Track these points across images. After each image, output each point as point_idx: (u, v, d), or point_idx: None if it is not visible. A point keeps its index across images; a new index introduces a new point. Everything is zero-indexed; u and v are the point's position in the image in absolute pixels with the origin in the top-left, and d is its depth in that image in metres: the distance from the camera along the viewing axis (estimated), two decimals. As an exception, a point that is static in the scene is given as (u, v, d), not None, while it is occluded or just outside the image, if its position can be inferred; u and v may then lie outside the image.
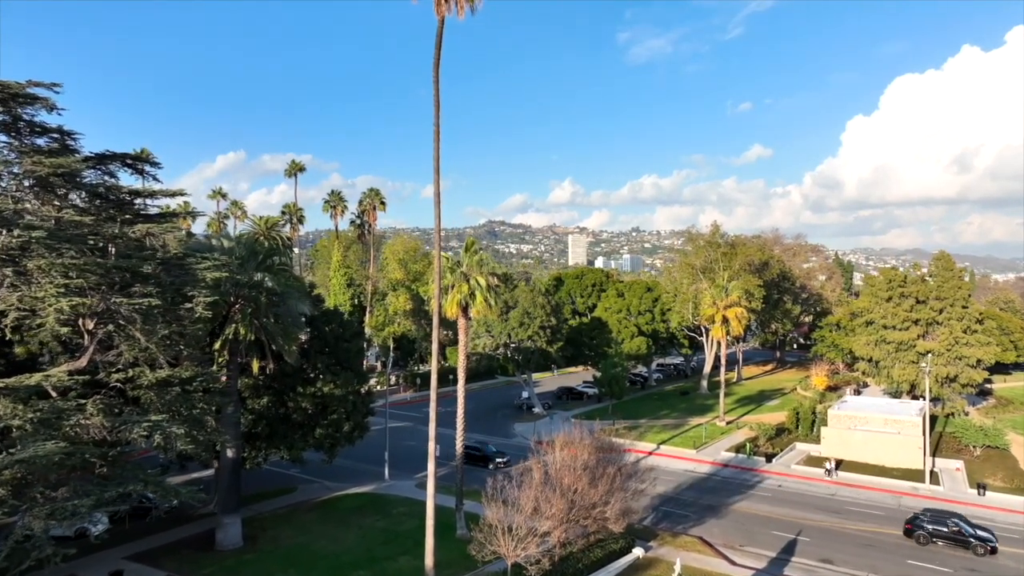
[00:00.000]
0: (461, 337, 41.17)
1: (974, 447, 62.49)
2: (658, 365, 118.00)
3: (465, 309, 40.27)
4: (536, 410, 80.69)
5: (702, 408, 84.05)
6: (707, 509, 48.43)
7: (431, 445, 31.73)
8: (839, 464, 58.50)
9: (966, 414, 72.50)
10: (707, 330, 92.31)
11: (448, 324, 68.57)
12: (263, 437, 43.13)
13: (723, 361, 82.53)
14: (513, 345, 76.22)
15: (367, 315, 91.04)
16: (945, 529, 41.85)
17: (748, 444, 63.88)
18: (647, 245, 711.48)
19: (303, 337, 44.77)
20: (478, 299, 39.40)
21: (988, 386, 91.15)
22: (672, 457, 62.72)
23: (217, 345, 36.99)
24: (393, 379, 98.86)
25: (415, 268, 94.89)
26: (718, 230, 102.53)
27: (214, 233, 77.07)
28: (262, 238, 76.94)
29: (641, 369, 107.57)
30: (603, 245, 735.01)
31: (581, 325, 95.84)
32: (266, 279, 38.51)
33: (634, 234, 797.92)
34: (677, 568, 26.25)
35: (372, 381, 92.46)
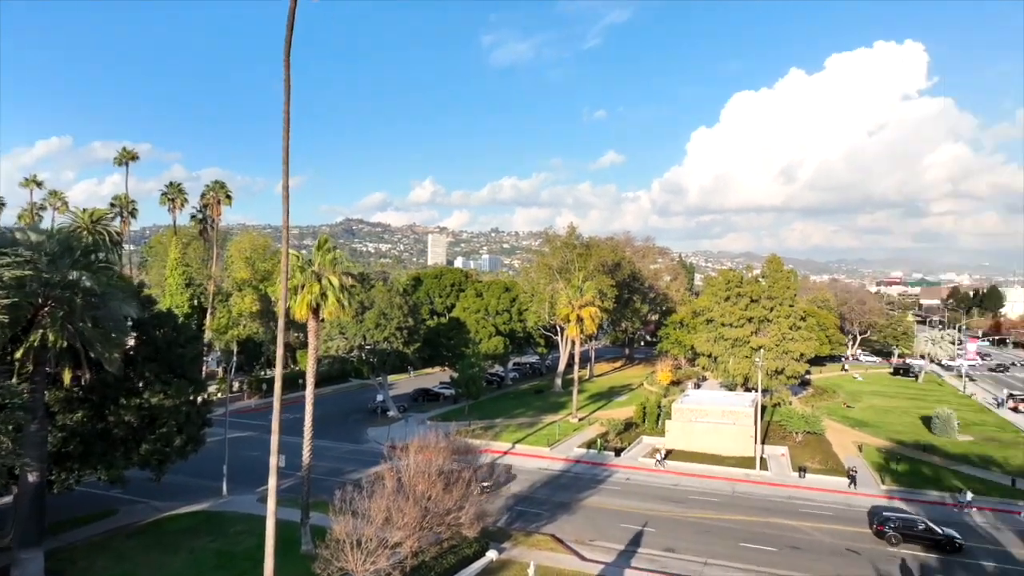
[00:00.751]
0: (311, 340, 38.86)
1: (796, 433, 68.35)
2: (514, 364, 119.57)
3: (316, 310, 38.01)
4: (391, 413, 78.75)
5: (556, 406, 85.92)
6: (560, 506, 49.16)
7: (273, 458, 29.42)
8: (668, 454, 61.60)
9: (790, 403, 79.30)
10: (562, 329, 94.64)
11: (299, 326, 65.08)
12: (76, 456, 38.32)
13: (576, 359, 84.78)
14: (368, 347, 73.84)
15: (208, 317, 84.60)
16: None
17: (599, 440, 65.88)
18: (506, 245, 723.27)
19: (129, 342, 40.44)
20: (330, 300, 37.31)
21: (808, 377, 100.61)
22: (527, 455, 63.34)
23: (19, 353, 32.38)
24: (236, 385, 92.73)
25: (263, 267, 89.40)
26: (574, 232, 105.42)
27: (23, 225, 68.26)
28: (85, 232, 69.22)
29: (498, 368, 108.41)
30: (463, 245, 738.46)
31: (439, 325, 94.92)
32: (83, 278, 34.28)
33: (494, 234, 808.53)
34: (531, 571, 26.02)
35: (212, 388, 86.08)
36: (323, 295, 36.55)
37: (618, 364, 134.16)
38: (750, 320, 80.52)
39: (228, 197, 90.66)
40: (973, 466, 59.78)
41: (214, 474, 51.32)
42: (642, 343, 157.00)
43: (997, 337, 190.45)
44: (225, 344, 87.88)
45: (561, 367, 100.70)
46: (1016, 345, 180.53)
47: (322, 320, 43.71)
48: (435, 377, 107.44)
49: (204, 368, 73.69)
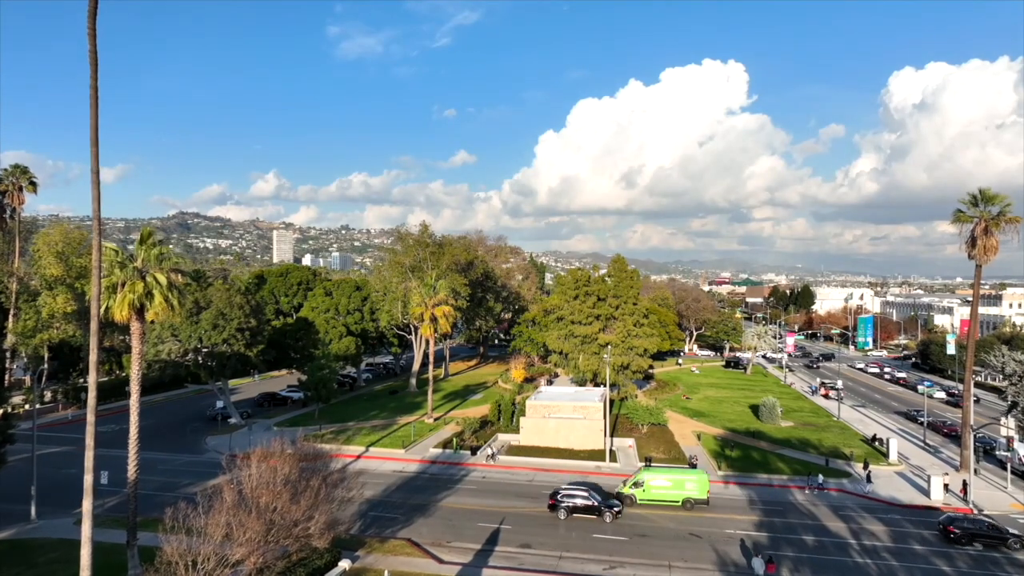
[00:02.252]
0: (135, 344, 34.85)
1: (642, 425, 71.70)
2: (367, 365, 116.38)
3: (140, 311, 34.14)
4: (233, 420, 73.47)
5: (411, 406, 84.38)
6: (416, 509, 47.99)
7: (88, 476, 25.89)
8: (500, 450, 62.61)
9: (636, 397, 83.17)
10: (416, 328, 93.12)
11: (124, 328, 58.71)
12: None
13: (431, 359, 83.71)
14: (206, 350, 68.30)
15: (10, 319, 74.40)
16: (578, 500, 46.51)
17: (454, 439, 65.31)
18: (357, 243, 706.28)
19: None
20: (157, 300, 33.65)
21: (651, 371, 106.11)
22: (382, 459, 61.48)
23: None
24: (49, 395, 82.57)
25: (79, 263, 79.89)
26: (427, 230, 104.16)
27: None
28: None
29: (350, 370, 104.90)
30: (311, 242, 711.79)
31: (285, 326, 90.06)
32: None
33: (344, 232, 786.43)
34: (385, 580, 24.84)
35: (17, 400, 75.99)
36: (148, 294, 32.85)
37: (473, 362, 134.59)
38: (598, 318, 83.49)
39: (32, 184, 80.00)
40: (794, 449, 65.68)
41: (20, 496, 45.05)
42: (496, 341, 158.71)
43: (810, 331, 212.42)
44: (33, 349, 77.79)
45: (416, 367, 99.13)
46: (826, 339, 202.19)
47: (151, 322, 39.60)
48: (282, 380, 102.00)
49: (7, 377, 64.61)
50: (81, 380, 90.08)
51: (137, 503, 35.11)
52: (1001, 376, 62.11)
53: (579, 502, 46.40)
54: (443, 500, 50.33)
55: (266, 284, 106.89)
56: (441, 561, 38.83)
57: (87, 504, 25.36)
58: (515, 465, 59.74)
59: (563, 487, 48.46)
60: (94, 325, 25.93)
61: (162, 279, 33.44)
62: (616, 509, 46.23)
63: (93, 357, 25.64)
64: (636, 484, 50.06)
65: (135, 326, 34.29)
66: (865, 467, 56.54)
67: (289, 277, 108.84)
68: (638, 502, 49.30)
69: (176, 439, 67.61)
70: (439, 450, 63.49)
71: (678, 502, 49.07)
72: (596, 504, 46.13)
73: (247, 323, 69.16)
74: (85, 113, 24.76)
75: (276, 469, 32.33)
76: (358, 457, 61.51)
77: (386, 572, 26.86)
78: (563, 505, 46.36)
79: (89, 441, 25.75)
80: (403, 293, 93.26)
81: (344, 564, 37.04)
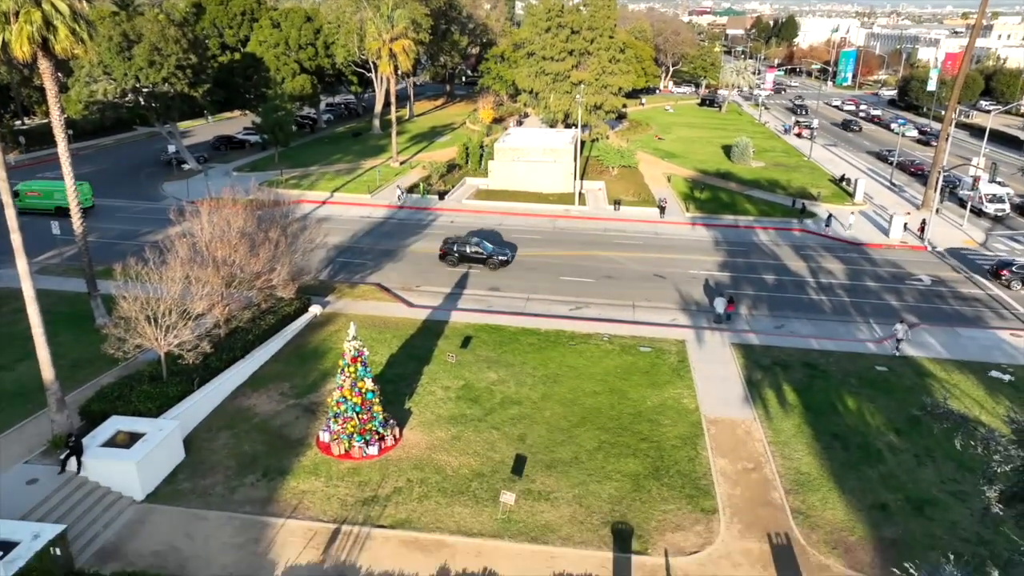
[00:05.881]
0: (48, 84, 30.69)
1: (612, 168, 70.46)
2: (328, 105, 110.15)
3: (46, 46, 29.51)
4: (188, 166, 70.30)
5: (375, 149, 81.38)
6: (384, 254, 47.93)
7: (15, 236, 23.97)
8: (412, 189, 62.29)
9: (607, 138, 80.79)
10: (376, 65, 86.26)
11: (62, 63, 52.60)
12: None
13: (393, 98, 78.84)
14: (146, 90, 62.70)
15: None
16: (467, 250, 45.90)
17: (422, 183, 63.77)
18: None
19: None
20: (62, 32, 28.74)
21: (624, 110, 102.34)
22: (347, 204, 60.28)
23: None
24: (-13, 140, 77.51)
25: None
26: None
27: None
28: None
29: (309, 111, 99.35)
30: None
31: (232, 63, 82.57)
32: None
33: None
34: (351, 330, 24.69)
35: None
36: (50, 25, 28.06)
37: (439, 102, 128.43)
38: (571, 53, 77.53)
39: None
40: (763, 190, 65.74)
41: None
42: (463, 79, 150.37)
43: (790, 67, 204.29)
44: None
45: (378, 107, 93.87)
46: (808, 75, 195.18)
47: (71, 59, 34.80)
48: (237, 123, 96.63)
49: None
50: (19, 123, 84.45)
51: (89, 254, 33.91)
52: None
53: (469, 250, 45.79)
54: (411, 245, 50.19)
55: (206, 14, 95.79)
56: (411, 305, 39.46)
57: (22, 265, 23.83)
58: (483, 209, 59.16)
59: (454, 237, 47.34)
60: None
61: (63, 6, 28.30)
62: (502, 258, 45.66)
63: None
64: None
65: (44, 64, 29.85)
66: (828, 219, 56.12)
67: (230, 6, 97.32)
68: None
69: (132, 185, 65.13)
70: (406, 195, 62.18)
71: None
72: (485, 254, 45.61)
73: (187, 59, 62.66)
74: None
75: (230, 222, 30.78)
76: (323, 203, 60.20)
77: (351, 325, 26.72)
78: (454, 253, 45.78)
79: (6, 199, 23.48)
80: (358, 25, 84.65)
81: (315, 309, 37.41)
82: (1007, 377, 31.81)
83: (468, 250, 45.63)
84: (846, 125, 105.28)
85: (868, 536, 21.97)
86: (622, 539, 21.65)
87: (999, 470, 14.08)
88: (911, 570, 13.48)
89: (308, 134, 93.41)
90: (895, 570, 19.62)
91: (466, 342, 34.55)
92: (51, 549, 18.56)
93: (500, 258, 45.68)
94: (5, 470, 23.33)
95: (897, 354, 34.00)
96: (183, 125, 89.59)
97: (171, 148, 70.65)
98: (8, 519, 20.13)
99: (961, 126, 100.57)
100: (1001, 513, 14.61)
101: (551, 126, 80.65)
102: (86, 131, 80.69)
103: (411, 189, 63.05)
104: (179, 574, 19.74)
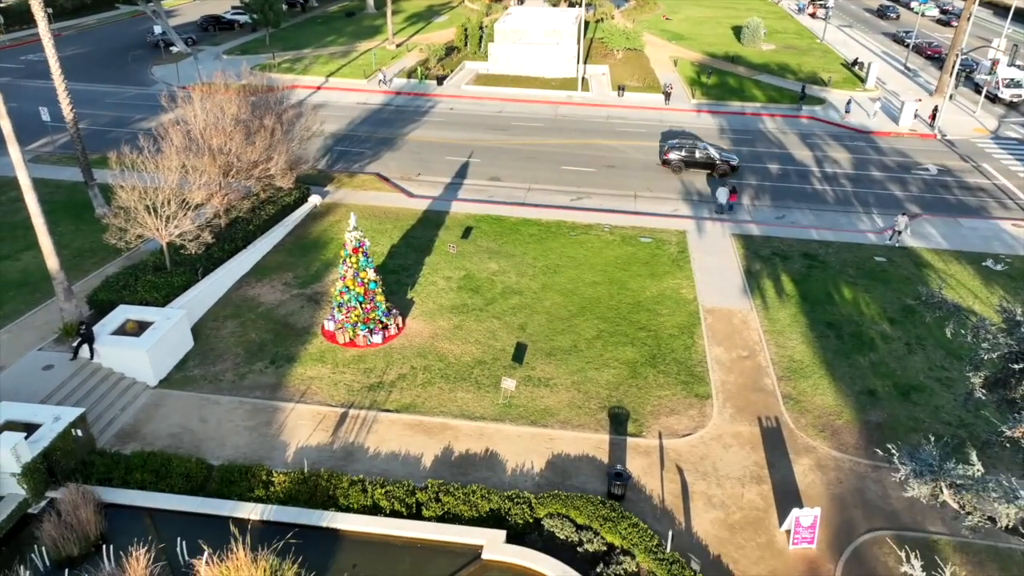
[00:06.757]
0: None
1: (617, 51, 67.67)
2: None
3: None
4: (176, 48, 67.48)
5: (370, 30, 77.89)
6: (383, 143, 47.01)
7: (4, 122, 23.35)
8: (380, 72, 60.02)
9: (612, 18, 77.12)
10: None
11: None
12: None
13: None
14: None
15: None
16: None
17: (419, 68, 61.45)
18: None
19: None
20: None
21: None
22: (343, 90, 58.41)
23: None
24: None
25: None
26: None
27: None
28: None
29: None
30: None
31: (215, -66, 77.62)
32: None
33: None
34: (352, 221, 24.58)
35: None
36: None
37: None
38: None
39: None
40: (772, 75, 63.40)
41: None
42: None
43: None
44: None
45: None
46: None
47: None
48: (224, 1, 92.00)
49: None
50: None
51: (83, 142, 33.30)
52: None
53: (698, 155, 42.45)
54: (410, 133, 49.09)
55: None
56: (411, 195, 39.13)
57: (15, 154, 23.36)
58: (483, 95, 57.39)
59: (678, 141, 43.50)
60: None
61: None
62: (732, 164, 42.32)
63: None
64: None
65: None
66: (848, 104, 54.17)
67: None
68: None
69: (119, 70, 62.88)
70: (403, 80, 60.15)
71: None
72: (717, 160, 42.17)
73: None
74: None
75: (223, 109, 29.97)
76: (318, 88, 58.35)
77: (352, 216, 26.63)
78: (680, 160, 42.62)
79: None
80: None
81: (315, 199, 37.16)
82: (999, 267, 32.01)
83: (697, 155, 42.71)
84: (882, 12, 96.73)
85: (854, 420, 22.90)
86: (618, 423, 22.58)
87: (986, 357, 14.48)
88: (892, 450, 14.12)
89: (299, 13, 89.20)
90: (877, 451, 20.75)
91: (467, 233, 34.55)
92: (72, 430, 19.44)
93: (731, 164, 42.58)
94: (21, 356, 24.01)
95: (896, 246, 34.08)
96: (168, 3, 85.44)
97: (157, 29, 67.67)
98: (27, 403, 20.95)
99: (986, 3, 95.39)
100: (984, 398, 15.18)
101: (554, 5, 76.79)
102: (66, 10, 77.16)
103: (409, 74, 60.87)
104: (195, 454, 20.73)
